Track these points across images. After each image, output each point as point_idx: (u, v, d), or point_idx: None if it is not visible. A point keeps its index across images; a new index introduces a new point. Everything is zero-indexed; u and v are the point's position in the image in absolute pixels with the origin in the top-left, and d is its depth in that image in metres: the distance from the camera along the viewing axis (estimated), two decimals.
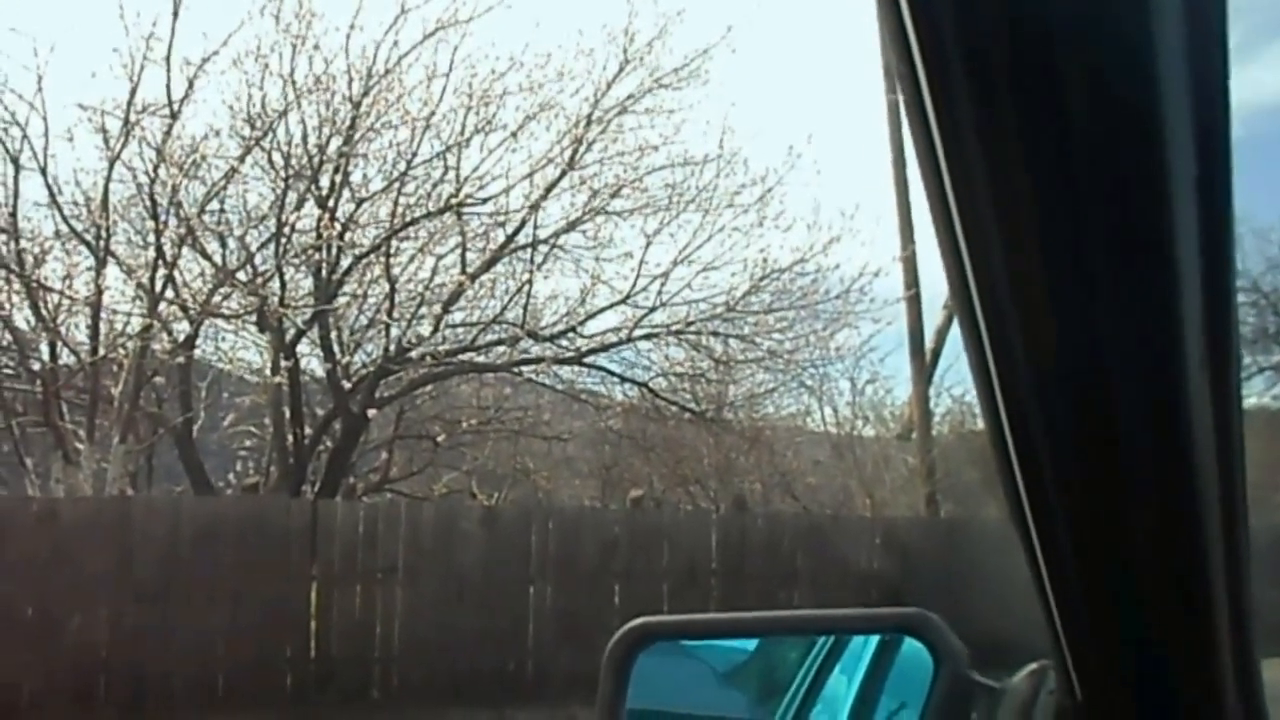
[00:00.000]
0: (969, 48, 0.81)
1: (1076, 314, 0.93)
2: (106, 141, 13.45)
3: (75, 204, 13.76)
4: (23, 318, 13.80)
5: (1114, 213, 0.87)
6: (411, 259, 14.82)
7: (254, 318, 14.52)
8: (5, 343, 14.18)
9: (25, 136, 13.30)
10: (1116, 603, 1.12)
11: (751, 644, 2.49)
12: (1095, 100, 0.82)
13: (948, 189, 0.88)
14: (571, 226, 14.92)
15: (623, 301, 15.01)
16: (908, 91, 0.87)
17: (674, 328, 15.18)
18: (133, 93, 13.30)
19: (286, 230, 13.94)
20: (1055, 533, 1.09)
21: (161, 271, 13.48)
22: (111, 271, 13.62)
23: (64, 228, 13.65)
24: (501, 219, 14.82)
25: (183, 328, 14.15)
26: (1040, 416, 1.01)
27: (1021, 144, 0.85)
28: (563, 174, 14.61)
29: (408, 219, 14.45)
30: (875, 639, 2.27)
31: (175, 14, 13.09)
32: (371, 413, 14.77)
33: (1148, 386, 0.96)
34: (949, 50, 0.82)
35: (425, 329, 14.66)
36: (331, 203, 14.13)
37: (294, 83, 13.78)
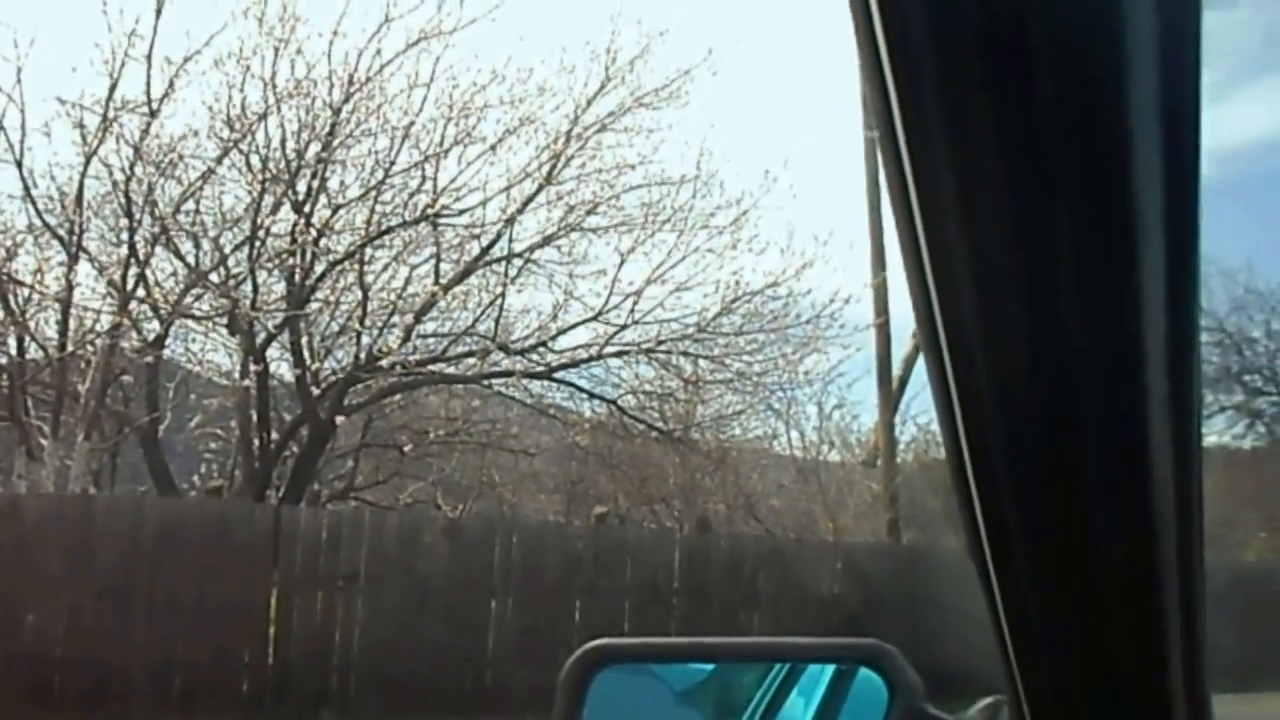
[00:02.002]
0: (945, 85, 0.83)
1: (1041, 348, 0.94)
2: (84, 137, 13.41)
3: (49, 198, 13.71)
4: None
5: (1082, 249, 0.88)
6: (385, 267, 14.83)
7: (225, 320, 14.47)
8: None
9: (2, 128, 13.28)
10: (1072, 639, 1.13)
11: (710, 666, 2.50)
12: (1066, 139, 0.83)
13: (917, 220, 0.90)
14: (546, 241, 14.93)
15: (594, 318, 15.02)
16: (880, 119, 0.88)
17: (644, 346, 15.20)
18: (112, 89, 13.28)
19: (261, 234, 13.92)
20: (1013, 567, 1.10)
21: (133, 270, 13.43)
22: (83, 268, 13.58)
23: (37, 222, 13.60)
24: (477, 231, 14.83)
25: (153, 327, 14.09)
26: (1002, 450, 1.02)
27: (992, 177, 0.86)
28: (540, 189, 14.63)
29: (383, 227, 14.44)
30: (831, 666, 2.29)
31: (158, 12, 13.10)
32: (339, 420, 14.71)
33: (1110, 424, 0.98)
34: (923, 81, 0.83)
35: (396, 338, 14.63)
36: (307, 208, 14.10)
37: (275, 86, 13.79)
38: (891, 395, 17.39)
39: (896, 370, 17.41)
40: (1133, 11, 0.80)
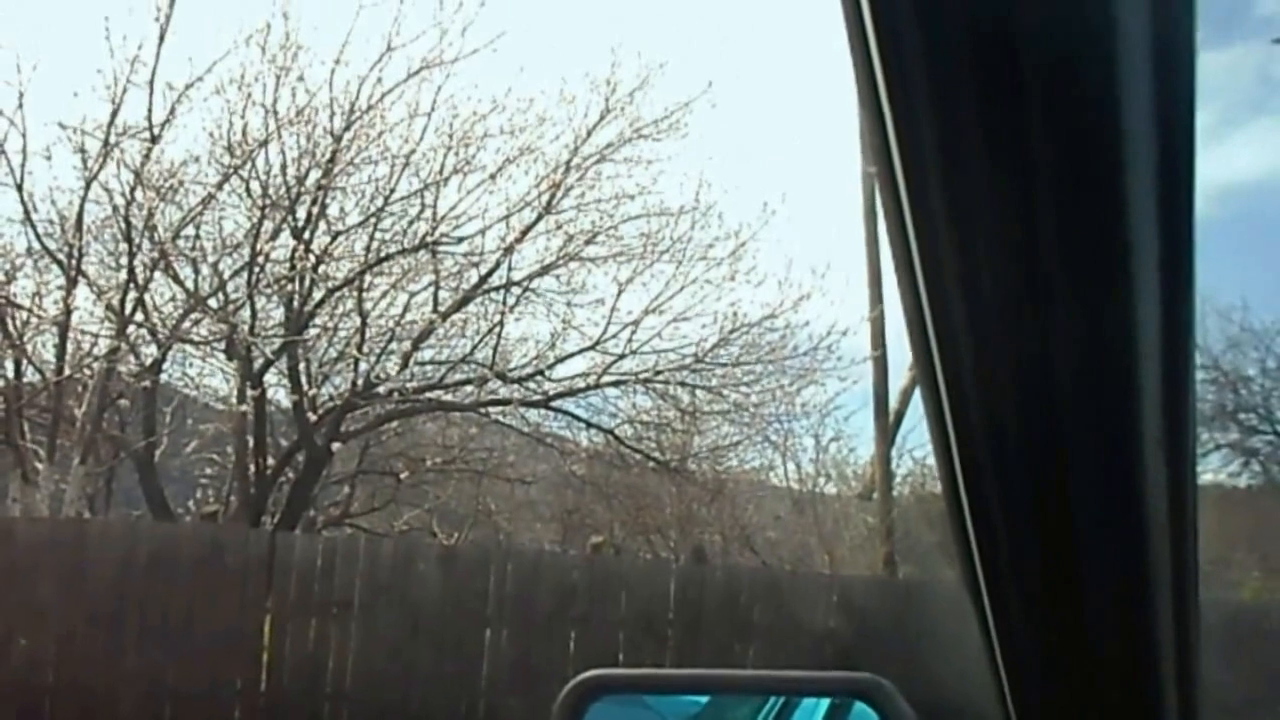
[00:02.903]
0: (941, 123, 0.84)
1: (1036, 385, 0.95)
2: (85, 161, 13.42)
3: (49, 222, 13.72)
4: None
5: (1077, 288, 0.89)
6: (384, 295, 14.80)
7: (223, 345, 14.47)
8: None
9: (3, 152, 13.27)
10: (1066, 674, 1.13)
11: (704, 698, 2.49)
12: (1061, 176, 0.84)
13: (913, 254, 0.90)
14: (545, 270, 14.94)
15: (592, 347, 15.01)
16: (878, 155, 0.89)
17: (642, 376, 15.18)
18: (114, 114, 13.30)
19: (260, 259, 13.91)
20: (1007, 602, 1.11)
21: (132, 294, 13.43)
22: (81, 292, 13.57)
23: (36, 245, 13.62)
24: (475, 259, 14.84)
25: (150, 351, 14.09)
26: (996, 486, 1.02)
27: (987, 214, 0.87)
28: (539, 218, 14.63)
29: (382, 254, 14.45)
30: (826, 700, 2.29)
31: (161, 38, 13.12)
32: (336, 446, 14.70)
33: (1104, 460, 0.98)
34: (919, 119, 0.84)
35: (394, 365, 14.64)
36: (307, 234, 14.11)
37: (276, 113, 13.80)
38: (888, 428, 17.36)
39: (894, 403, 17.40)
40: (1126, 50, 0.81)
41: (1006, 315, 0.91)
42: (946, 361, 0.95)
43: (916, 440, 17.73)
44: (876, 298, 16.12)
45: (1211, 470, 18.44)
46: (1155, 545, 1.03)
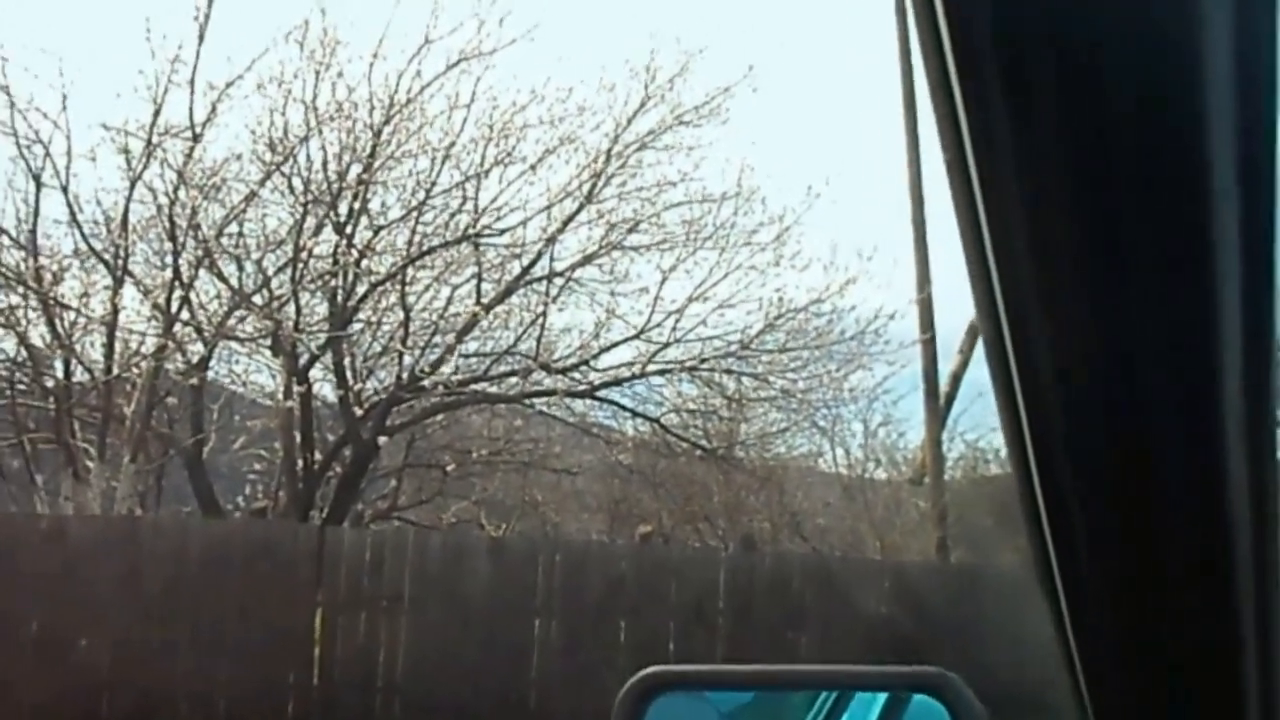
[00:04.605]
0: (1008, 62, 0.81)
1: (1115, 374, 0.93)
2: (128, 162, 13.57)
3: (95, 223, 13.89)
4: (38, 334, 13.91)
5: (1157, 274, 0.87)
6: (427, 288, 14.88)
7: (268, 341, 14.56)
8: (20, 359, 14.23)
9: (48, 155, 13.47)
10: (1146, 660, 1.11)
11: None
12: (1136, 115, 0.82)
13: (980, 210, 0.88)
14: (588, 260, 14.95)
15: (636, 336, 15.03)
16: (940, 108, 0.86)
17: (687, 364, 15.18)
18: (156, 114, 13.44)
19: (304, 255, 13.99)
20: (1083, 593, 1.08)
21: (178, 292, 13.57)
22: (128, 291, 13.72)
23: (83, 246, 13.78)
24: (518, 250, 14.88)
25: (197, 349, 14.18)
26: (1072, 478, 1.00)
27: (1058, 159, 0.85)
28: (580, 207, 14.66)
29: (424, 248, 14.52)
30: (884, 693, 2.26)
31: (200, 38, 13.25)
32: (382, 440, 14.76)
33: (1185, 450, 0.96)
34: (985, 64, 0.81)
35: (438, 358, 14.69)
36: (349, 229, 14.19)
37: (316, 109, 13.89)
38: (939, 412, 17.25)
39: (943, 386, 17.30)
40: (1210, 36, 0.78)
41: (1085, 301, 0.89)
42: (1020, 352, 0.93)
43: (968, 423, 17.67)
44: (924, 280, 16.02)
45: None
46: (1238, 535, 1.01)
